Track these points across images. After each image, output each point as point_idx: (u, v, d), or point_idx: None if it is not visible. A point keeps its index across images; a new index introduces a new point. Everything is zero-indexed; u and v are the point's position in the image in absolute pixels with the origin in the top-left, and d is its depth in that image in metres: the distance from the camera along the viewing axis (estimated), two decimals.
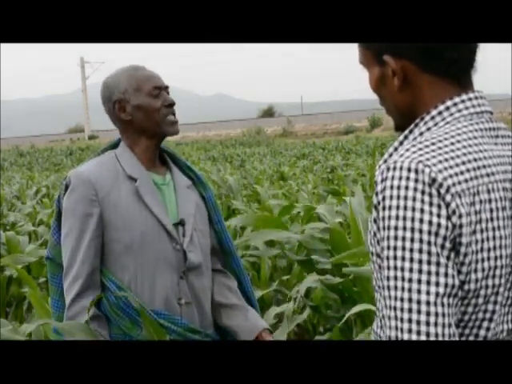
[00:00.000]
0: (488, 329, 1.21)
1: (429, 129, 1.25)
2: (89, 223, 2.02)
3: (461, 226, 1.14)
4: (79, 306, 2.01)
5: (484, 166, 1.20)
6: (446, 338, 1.12)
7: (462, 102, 1.25)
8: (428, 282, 1.12)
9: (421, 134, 1.25)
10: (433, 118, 1.25)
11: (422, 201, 1.13)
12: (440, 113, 1.25)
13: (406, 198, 1.14)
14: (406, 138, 1.28)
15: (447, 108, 1.25)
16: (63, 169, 26.93)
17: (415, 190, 1.14)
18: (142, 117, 2.09)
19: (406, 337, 1.12)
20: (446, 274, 1.13)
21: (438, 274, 1.12)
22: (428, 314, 1.11)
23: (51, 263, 2.20)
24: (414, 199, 1.13)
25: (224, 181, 10.34)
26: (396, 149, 1.27)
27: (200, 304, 2.12)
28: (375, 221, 1.21)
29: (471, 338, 1.21)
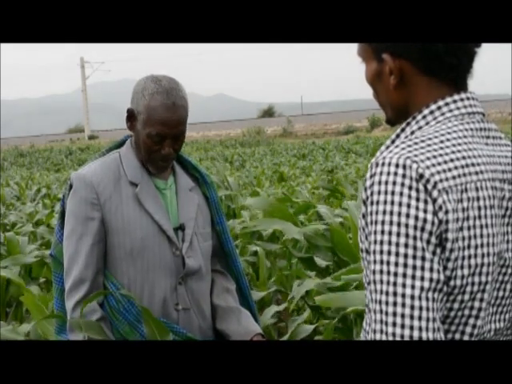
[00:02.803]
0: (474, 326, 1.22)
1: (420, 128, 1.26)
2: (89, 227, 2.02)
3: (447, 221, 1.15)
4: (86, 307, 1.99)
5: (473, 164, 1.21)
6: (430, 333, 1.12)
7: (454, 102, 1.26)
8: (413, 277, 1.13)
9: (412, 132, 1.27)
10: (424, 117, 1.27)
11: (409, 196, 1.14)
12: (431, 112, 1.26)
13: (393, 192, 1.15)
14: (397, 136, 1.29)
15: (439, 107, 1.26)
16: (63, 169, 26.93)
17: (402, 185, 1.15)
18: (139, 141, 2.06)
19: (390, 330, 1.13)
20: (431, 269, 1.13)
21: (422, 268, 1.13)
22: (412, 307, 1.12)
23: (54, 261, 2.20)
24: (401, 194, 1.14)
25: (223, 181, 10.32)
26: (388, 147, 1.28)
27: (200, 308, 2.11)
28: (364, 216, 1.22)
29: (457, 335, 1.22)
